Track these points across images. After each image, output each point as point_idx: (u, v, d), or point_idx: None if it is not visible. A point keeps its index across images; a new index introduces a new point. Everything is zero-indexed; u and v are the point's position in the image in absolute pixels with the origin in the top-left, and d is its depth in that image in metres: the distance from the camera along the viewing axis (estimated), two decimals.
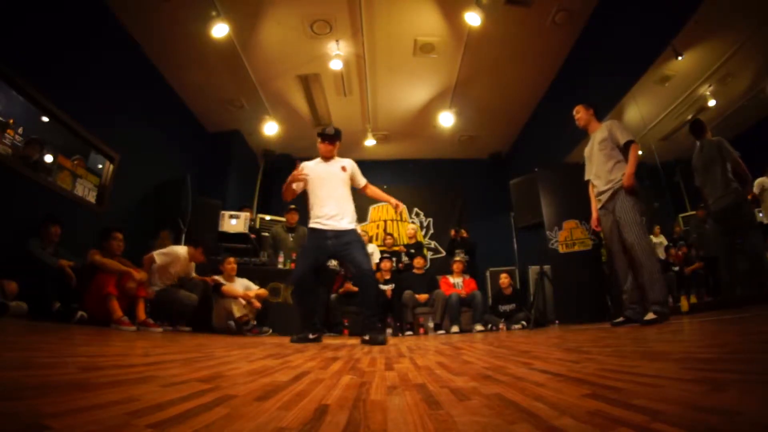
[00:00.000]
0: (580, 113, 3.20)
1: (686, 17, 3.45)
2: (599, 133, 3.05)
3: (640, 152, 2.85)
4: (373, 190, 3.08)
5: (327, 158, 2.98)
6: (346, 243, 2.77)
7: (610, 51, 4.44)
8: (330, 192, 2.86)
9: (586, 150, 3.19)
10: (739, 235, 3.40)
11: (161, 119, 5.58)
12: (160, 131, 5.56)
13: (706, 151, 3.49)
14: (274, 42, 5.14)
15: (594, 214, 3.12)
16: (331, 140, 2.95)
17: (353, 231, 2.84)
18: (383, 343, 2.50)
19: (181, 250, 3.92)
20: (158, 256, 3.65)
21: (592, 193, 3.16)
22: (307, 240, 2.85)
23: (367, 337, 2.61)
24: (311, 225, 2.83)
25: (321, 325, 3.00)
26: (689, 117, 4.91)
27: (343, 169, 2.95)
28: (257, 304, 3.98)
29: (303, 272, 2.77)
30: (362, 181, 3.04)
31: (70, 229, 3.59)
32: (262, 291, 4.19)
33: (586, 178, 3.19)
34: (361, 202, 7.79)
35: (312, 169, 2.94)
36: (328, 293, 5.21)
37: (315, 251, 2.81)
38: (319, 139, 2.99)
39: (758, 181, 3.89)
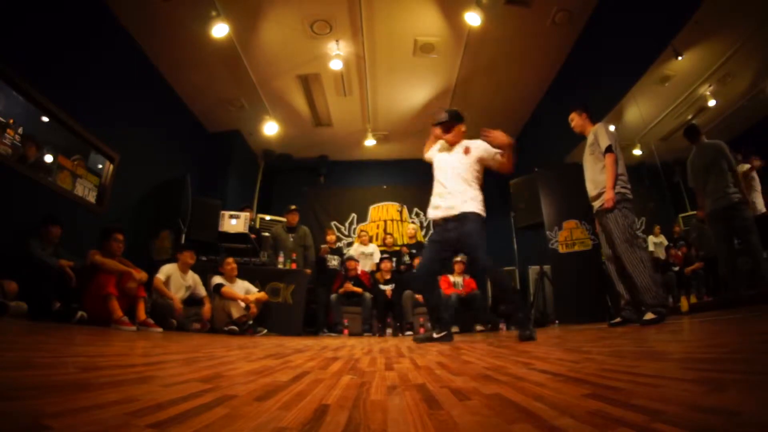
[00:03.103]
0: (574, 120, 3.17)
1: (686, 17, 3.45)
2: (589, 137, 3.03)
3: (621, 161, 2.81)
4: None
5: (451, 144, 2.92)
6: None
7: (610, 51, 4.44)
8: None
9: (584, 156, 3.14)
10: (738, 236, 3.39)
11: (161, 119, 5.57)
12: (160, 131, 5.56)
13: (706, 152, 3.48)
14: (274, 42, 5.13)
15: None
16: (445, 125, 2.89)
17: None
18: (526, 338, 2.13)
19: (169, 265, 3.95)
20: (161, 274, 3.76)
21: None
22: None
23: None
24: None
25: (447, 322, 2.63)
26: (689, 117, 4.92)
27: (467, 151, 2.82)
28: (254, 311, 4.01)
29: (424, 265, 2.64)
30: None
31: (70, 229, 3.59)
32: (262, 295, 4.20)
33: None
34: (363, 202, 7.84)
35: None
36: (328, 293, 5.21)
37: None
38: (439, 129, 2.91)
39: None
